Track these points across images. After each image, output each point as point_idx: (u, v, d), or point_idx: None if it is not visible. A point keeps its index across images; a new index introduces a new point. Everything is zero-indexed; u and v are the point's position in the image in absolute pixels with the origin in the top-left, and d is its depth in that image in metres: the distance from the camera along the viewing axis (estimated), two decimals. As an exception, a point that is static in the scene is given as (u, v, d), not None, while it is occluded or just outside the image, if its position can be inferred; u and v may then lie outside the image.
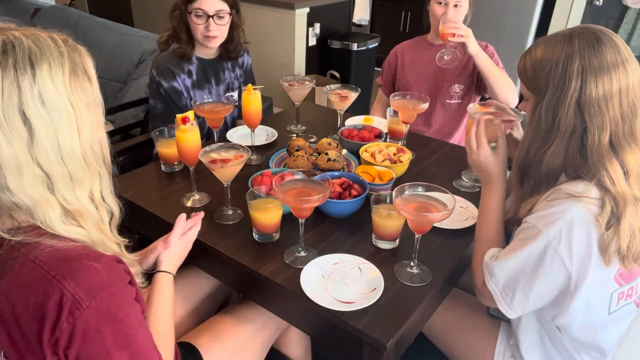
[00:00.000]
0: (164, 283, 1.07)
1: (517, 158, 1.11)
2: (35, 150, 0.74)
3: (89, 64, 0.81)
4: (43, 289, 0.71)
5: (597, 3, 3.67)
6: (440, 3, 1.93)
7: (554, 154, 1.02)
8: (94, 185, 0.82)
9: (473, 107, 1.39)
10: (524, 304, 1.05)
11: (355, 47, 3.86)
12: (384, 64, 2.24)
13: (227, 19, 1.80)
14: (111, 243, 0.86)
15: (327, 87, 1.86)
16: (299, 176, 1.21)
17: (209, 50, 1.89)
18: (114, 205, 0.88)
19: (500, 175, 1.19)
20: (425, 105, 1.63)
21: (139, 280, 0.92)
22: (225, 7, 1.77)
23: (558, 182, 1.05)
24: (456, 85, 2.05)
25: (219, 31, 1.79)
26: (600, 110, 0.97)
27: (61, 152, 0.76)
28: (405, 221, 1.13)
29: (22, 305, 0.71)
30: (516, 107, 1.45)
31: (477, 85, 2.04)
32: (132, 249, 0.95)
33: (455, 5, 1.91)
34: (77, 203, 0.79)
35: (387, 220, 1.20)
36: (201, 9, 1.73)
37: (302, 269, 1.13)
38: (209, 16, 1.74)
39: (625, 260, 0.97)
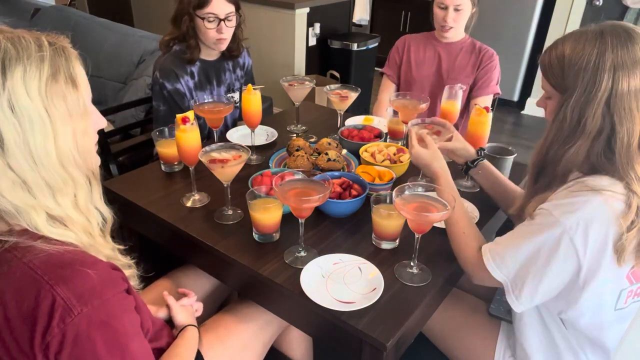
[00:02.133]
0: (192, 336, 1.08)
1: (536, 156, 1.09)
2: (7, 156, 0.72)
3: (77, 70, 0.78)
4: (35, 293, 0.70)
5: (597, 3, 3.68)
6: (441, 7, 1.96)
7: (574, 154, 1.00)
8: (79, 193, 0.80)
9: (415, 121, 1.44)
10: (532, 296, 1.02)
11: (355, 47, 3.86)
12: (391, 52, 2.24)
13: (235, 21, 1.81)
14: (103, 249, 0.84)
15: (327, 87, 1.85)
16: (299, 176, 1.21)
17: (212, 51, 1.89)
18: (105, 213, 0.86)
19: (436, 162, 1.24)
20: (425, 105, 1.64)
21: (134, 282, 0.90)
22: (233, 9, 1.79)
23: (571, 178, 1.03)
24: (458, 85, 2.06)
25: (228, 33, 1.81)
26: (631, 111, 0.94)
27: (34, 159, 0.74)
28: (405, 221, 1.13)
29: (15, 308, 0.71)
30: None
31: (471, 88, 2.08)
32: (129, 252, 0.94)
33: (456, 10, 1.94)
34: (60, 210, 0.78)
35: (387, 220, 1.20)
36: (213, 14, 1.73)
37: (302, 269, 1.13)
38: (220, 20, 1.75)
39: None
